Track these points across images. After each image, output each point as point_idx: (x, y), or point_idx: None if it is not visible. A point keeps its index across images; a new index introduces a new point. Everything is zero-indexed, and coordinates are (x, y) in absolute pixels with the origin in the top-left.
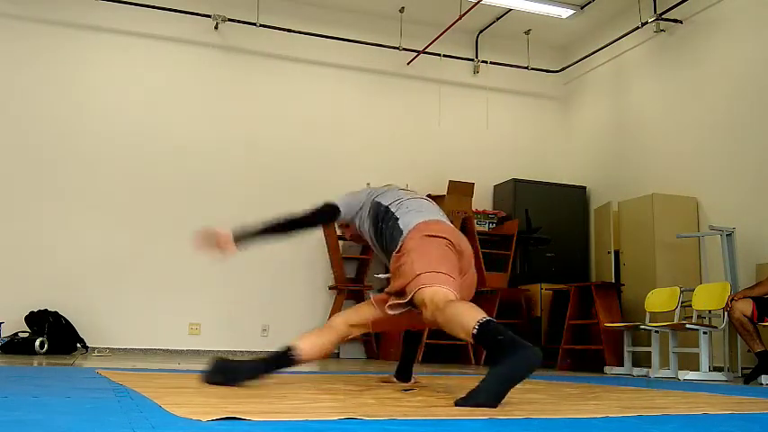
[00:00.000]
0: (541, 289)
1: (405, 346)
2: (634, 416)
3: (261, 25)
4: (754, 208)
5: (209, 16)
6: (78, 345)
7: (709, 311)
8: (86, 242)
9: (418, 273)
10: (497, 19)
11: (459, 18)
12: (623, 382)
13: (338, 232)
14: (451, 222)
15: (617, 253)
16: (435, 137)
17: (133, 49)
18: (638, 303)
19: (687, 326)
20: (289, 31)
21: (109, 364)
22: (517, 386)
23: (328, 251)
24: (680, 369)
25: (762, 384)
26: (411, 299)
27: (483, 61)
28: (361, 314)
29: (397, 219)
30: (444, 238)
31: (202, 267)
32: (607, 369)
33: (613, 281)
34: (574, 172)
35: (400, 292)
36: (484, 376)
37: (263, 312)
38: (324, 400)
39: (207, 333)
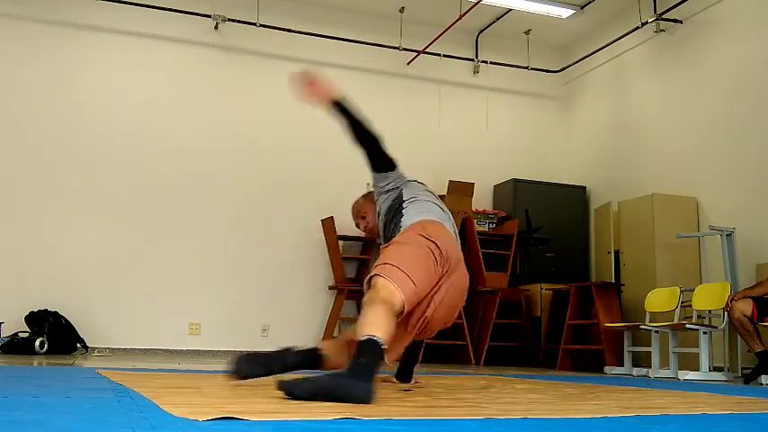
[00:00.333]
0: (541, 289)
1: (405, 354)
2: (634, 416)
3: (261, 25)
4: (754, 208)
5: (209, 16)
6: (78, 345)
7: (709, 311)
8: (86, 242)
9: (385, 262)
10: (497, 19)
11: (460, 18)
12: (623, 382)
13: (356, 224)
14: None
15: (617, 253)
16: (435, 137)
17: (133, 49)
18: (638, 303)
19: (687, 326)
20: (289, 31)
21: (109, 364)
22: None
23: (328, 251)
24: (680, 369)
25: (762, 384)
26: (369, 278)
27: (483, 61)
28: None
29: (403, 215)
30: (432, 241)
31: (202, 267)
32: (607, 369)
33: (613, 281)
34: (574, 172)
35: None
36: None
37: (263, 312)
38: None
39: (207, 333)
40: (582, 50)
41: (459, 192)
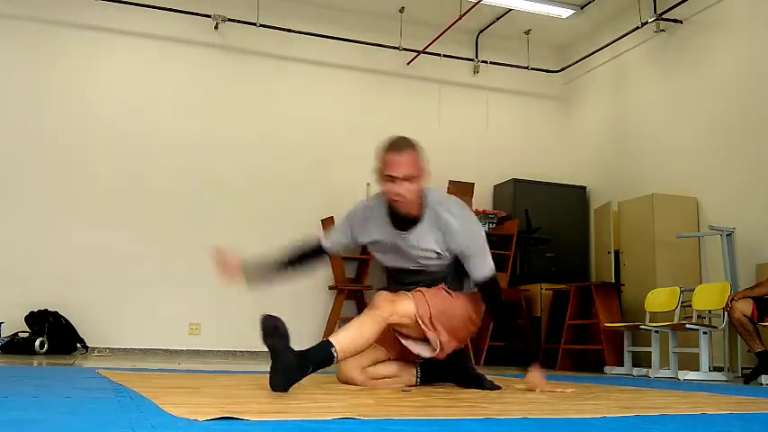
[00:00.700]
0: (541, 289)
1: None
2: (634, 416)
3: (261, 25)
4: (754, 208)
5: (209, 16)
6: (78, 345)
7: (709, 311)
8: (86, 242)
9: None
10: (497, 19)
11: (460, 18)
12: (623, 382)
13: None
14: None
15: (617, 253)
16: (435, 137)
17: (133, 49)
18: (638, 303)
19: (687, 326)
20: (289, 31)
21: (109, 364)
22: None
23: None
24: (680, 369)
25: (762, 384)
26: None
27: (483, 61)
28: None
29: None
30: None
31: (202, 267)
32: (607, 369)
33: (613, 281)
34: (574, 172)
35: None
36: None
37: (262, 312)
38: (321, 399)
39: (207, 333)
40: (582, 50)
41: (459, 192)
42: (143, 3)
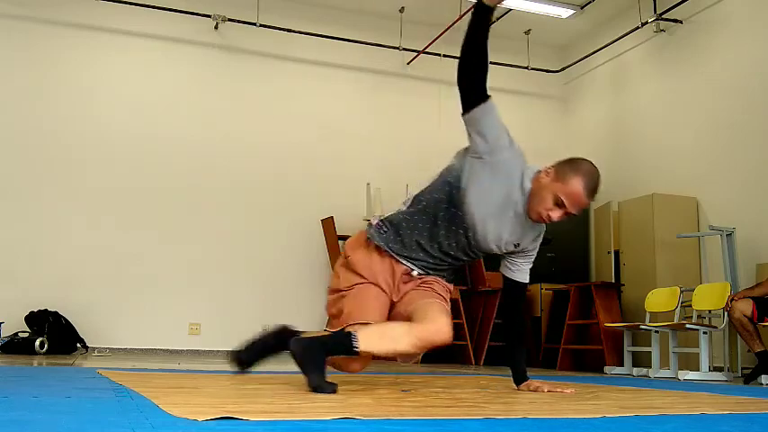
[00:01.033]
0: (541, 289)
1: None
2: (634, 416)
3: (261, 25)
4: (754, 208)
5: (209, 16)
6: (78, 345)
7: (709, 311)
8: (86, 242)
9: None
10: (497, 19)
11: (460, 18)
12: (623, 382)
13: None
14: None
15: (617, 253)
16: (435, 137)
17: (133, 49)
18: (638, 303)
19: (687, 326)
20: (289, 31)
21: (109, 364)
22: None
23: (328, 251)
24: (680, 369)
25: (762, 384)
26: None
27: None
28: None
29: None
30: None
31: (202, 267)
32: (607, 369)
33: (613, 281)
34: None
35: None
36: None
37: (263, 312)
38: (321, 399)
39: (207, 333)
40: (582, 50)
41: None
42: (143, 3)
